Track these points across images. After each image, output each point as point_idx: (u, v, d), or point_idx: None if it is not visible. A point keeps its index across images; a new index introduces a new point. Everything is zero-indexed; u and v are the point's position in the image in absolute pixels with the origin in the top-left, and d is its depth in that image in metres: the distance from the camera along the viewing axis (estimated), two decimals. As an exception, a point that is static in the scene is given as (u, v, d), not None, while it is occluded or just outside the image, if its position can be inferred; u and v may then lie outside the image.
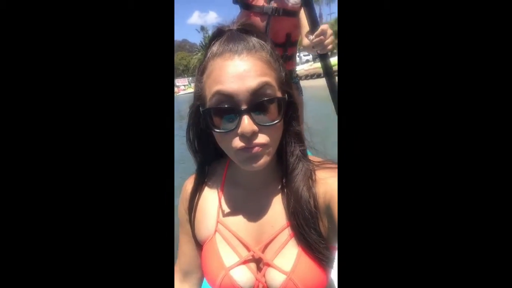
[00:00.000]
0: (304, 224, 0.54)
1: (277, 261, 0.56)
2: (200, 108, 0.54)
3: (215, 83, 0.50)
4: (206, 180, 0.67)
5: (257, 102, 0.49)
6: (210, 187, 0.66)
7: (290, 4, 1.59)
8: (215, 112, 0.51)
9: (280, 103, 0.51)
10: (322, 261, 0.55)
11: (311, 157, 0.62)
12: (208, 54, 0.53)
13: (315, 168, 0.60)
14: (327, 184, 0.56)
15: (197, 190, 0.66)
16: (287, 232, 0.57)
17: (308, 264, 0.55)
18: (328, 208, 0.55)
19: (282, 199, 0.59)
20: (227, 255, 0.59)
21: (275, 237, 0.58)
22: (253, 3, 1.63)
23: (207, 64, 0.52)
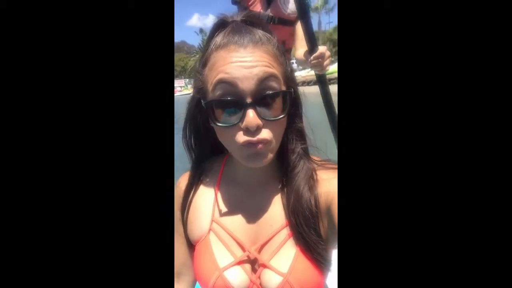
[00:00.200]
0: (304, 224, 0.52)
1: (274, 262, 0.54)
2: (202, 101, 0.51)
3: (218, 73, 0.47)
4: (201, 177, 0.64)
5: (262, 96, 0.47)
6: (205, 184, 0.64)
7: (287, 13, 1.60)
8: (218, 105, 0.48)
9: (285, 98, 0.49)
10: (320, 263, 0.53)
11: (312, 156, 0.60)
12: (211, 45, 0.50)
13: (317, 167, 0.58)
14: (329, 185, 0.54)
15: (191, 188, 0.63)
16: (285, 232, 0.55)
17: (306, 266, 0.53)
18: (329, 209, 0.53)
19: (282, 197, 0.57)
20: (221, 256, 0.56)
21: (272, 237, 0.55)
22: (251, 8, 1.64)
23: (210, 56, 0.50)
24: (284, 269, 0.53)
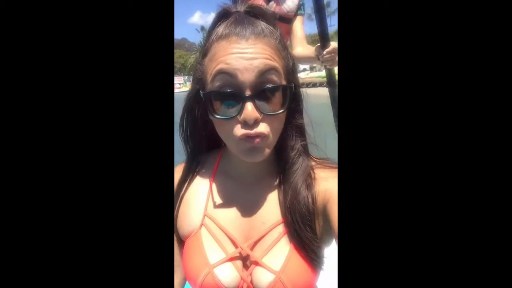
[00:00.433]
0: (300, 221, 0.51)
1: (267, 260, 0.53)
2: (200, 92, 0.50)
3: (218, 64, 0.46)
4: (195, 170, 0.62)
5: (262, 89, 0.46)
6: (199, 178, 0.62)
7: (285, 11, 1.61)
8: (217, 96, 0.47)
9: (285, 92, 0.48)
10: (314, 261, 0.52)
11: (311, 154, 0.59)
12: (212, 36, 0.49)
13: (315, 165, 0.57)
14: (327, 183, 0.53)
15: (185, 181, 0.61)
16: (280, 228, 0.54)
17: (299, 264, 0.52)
18: (325, 208, 0.52)
19: (278, 194, 0.56)
20: (212, 252, 0.55)
21: (266, 234, 0.54)
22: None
23: (211, 46, 0.49)
24: (277, 266, 0.52)
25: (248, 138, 0.47)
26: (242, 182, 0.59)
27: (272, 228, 0.54)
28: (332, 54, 1.26)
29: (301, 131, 0.56)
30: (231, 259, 0.54)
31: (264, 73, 0.45)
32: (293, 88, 0.50)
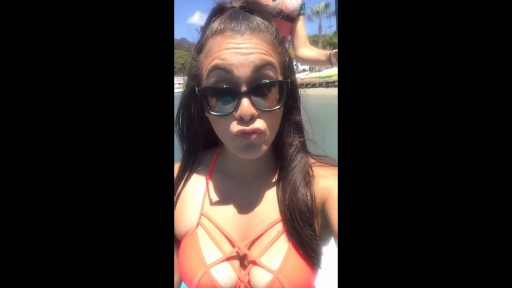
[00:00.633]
0: (299, 218, 0.50)
1: (264, 259, 0.52)
2: (196, 88, 0.49)
3: (213, 59, 0.45)
4: (191, 169, 0.61)
5: (258, 85, 0.45)
6: (196, 176, 0.61)
7: (290, 9, 1.60)
8: (212, 92, 0.46)
9: (282, 88, 0.47)
10: (313, 260, 0.51)
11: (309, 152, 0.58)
12: (207, 31, 0.48)
13: (314, 163, 0.56)
14: (326, 181, 0.52)
15: (180, 180, 0.60)
16: (279, 227, 0.53)
17: (298, 262, 0.51)
18: (324, 206, 0.52)
19: (277, 192, 0.55)
20: (209, 251, 0.54)
21: (264, 232, 0.53)
22: None
23: (206, 42, 0.48)
24: (275, 266, 0.51)
25: (244, 134, 0.46)
26: (240, 180, 0.58)
27: (271, 227, 0.54)
28: None
29: (299, 128, 0.55)
30: (228, 258, 0.53)
31: (260, 68, 0.45)
32: (290, 84, 0.50)
